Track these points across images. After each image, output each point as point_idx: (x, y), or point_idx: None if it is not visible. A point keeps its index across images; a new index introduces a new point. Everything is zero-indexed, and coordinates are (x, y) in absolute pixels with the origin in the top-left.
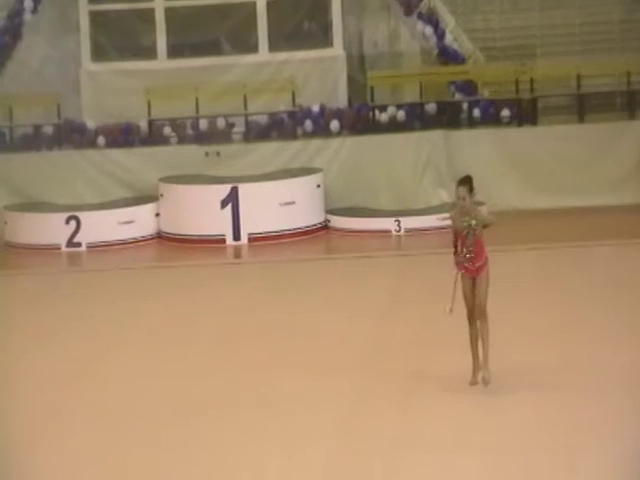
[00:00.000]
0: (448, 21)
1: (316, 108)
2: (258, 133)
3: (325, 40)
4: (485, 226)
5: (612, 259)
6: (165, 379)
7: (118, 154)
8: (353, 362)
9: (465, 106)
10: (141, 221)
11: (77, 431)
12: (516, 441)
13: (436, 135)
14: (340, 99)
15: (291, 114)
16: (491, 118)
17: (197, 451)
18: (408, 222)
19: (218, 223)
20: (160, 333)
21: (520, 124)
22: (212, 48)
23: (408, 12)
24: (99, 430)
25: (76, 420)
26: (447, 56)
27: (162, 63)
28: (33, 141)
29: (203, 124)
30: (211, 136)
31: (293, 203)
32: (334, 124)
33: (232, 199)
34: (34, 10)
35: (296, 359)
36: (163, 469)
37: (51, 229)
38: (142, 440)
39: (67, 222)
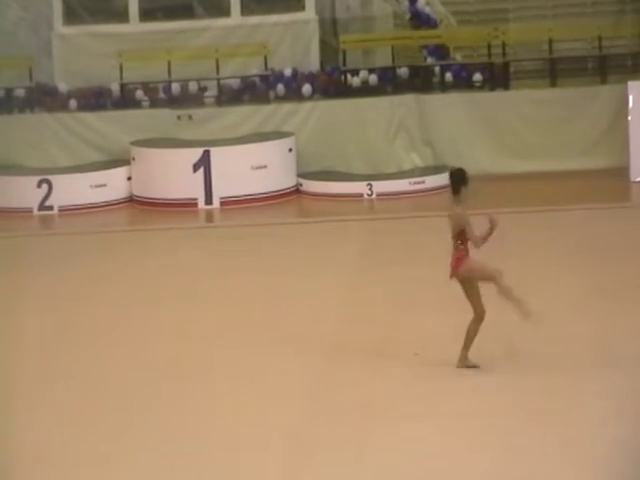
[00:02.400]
0: None
1: (288, 72)
2: (230, 97)
3: (297, 4)
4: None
5: (583, 223)
6: (136, 340)
7: (90, 117)
8: (325, 325)
9: (437, 70)
10: (113, 184)
11: (50, 392)
12: (487, 405)
13: (408, 99)
14: (312, 63)
15: (263, 78)
16: (463, 82)
17: (168, 413)
18: (380, 186)
19: (190, 187)
20: (132, 296)
21: (492, 88)
22: (184, 11)
23: None
24: (73, 390)
25: (47, 382)
26: (419, 20)
27: (134, 26)
28: (5, 104)
29: (175, 88)
30: (183, 100)
31: (265, 167)
32: (306, 88)
33: (204, 163)
34: None
35: (268, 322)
36: (133, 431)
37: (23, 192)
38: (113, 401)
39: (39, 185)
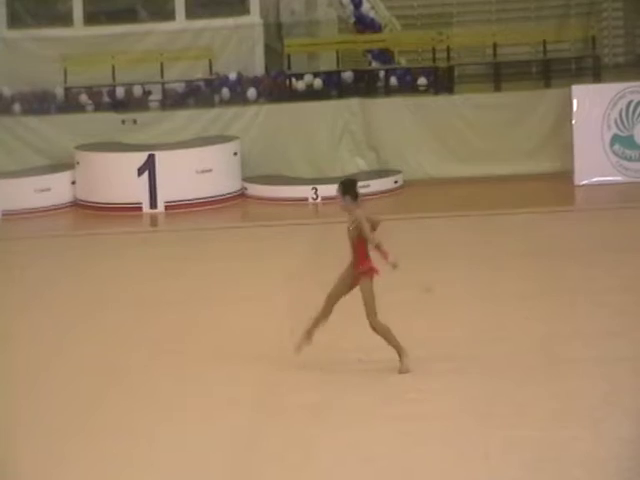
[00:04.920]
0: None
1: (233, 76)
2: (175, 101)
3: (242, 7)
4: (360, 231)
5: (528, 227)
6: (79, 346)
7: (34, 121)
8: (269, 330)
9: (382, 74)
10: (57, 189)
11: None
12: (432, 409)
13: (353, 103)
14: (257, 67)
15: (208, 82)
16: (408, 86)
17: (116, 415)
18: (325, 190)
19: (135, 191)
20: (75, 300)
21: (437, 92)
22: (129, 15)
23: None
24: (24, 393)
25: None
26: (364, 24)
27: (78, 30)
28: None
29: (120, 92)
30: (128, 103)
31: (210, 171)
32: (251, 92)
33: (149, 167)
34: None
35: (211, 327)
36: (91, 431)
37: None
38: (69, 402)
39: None
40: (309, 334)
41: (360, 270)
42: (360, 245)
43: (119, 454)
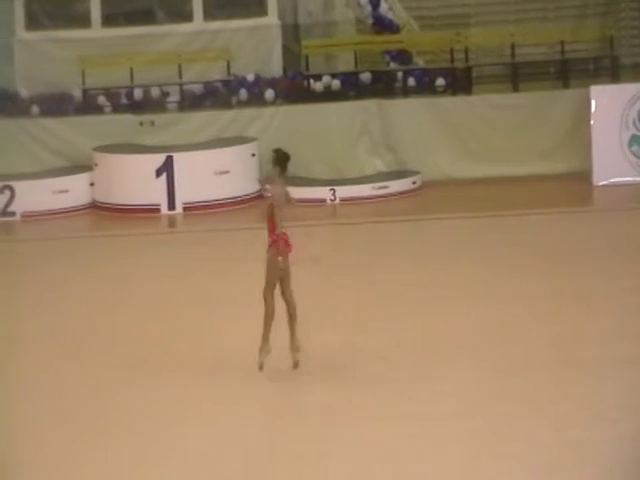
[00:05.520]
0: None
1: (251, 77)
2: (193, 102)
3: (260, 9)
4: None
5: (546, 227)
6: (98, 346)
7: (52, 123)
8: (285, 330)
9: (400, 75)
10: (75, 190)
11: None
12: (449, 409)
13: (370, 104)
14: (275, 68)
15: (226, 83)
16: (426, 87)
17: (134, 414)
18: (343, 191)
19: (153, 192)
20: (94, 302)
21: (454, 93)
22: (147, 17)
23: None
24: (38, 394)
25: (11, 387)
26: (382, 25)
27: (96, 32)
28: None
29: (137, 93)
30: (145, 105)
31: (228, 172)
32: (269, 93)
33: (167, 168)
34: None
35: (228, 327)
36: (102, 431)
37: None
38: (81, 404)
39: (1, 191)
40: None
41: (269, 241)
42: (270, 218)
43: (129, 456)
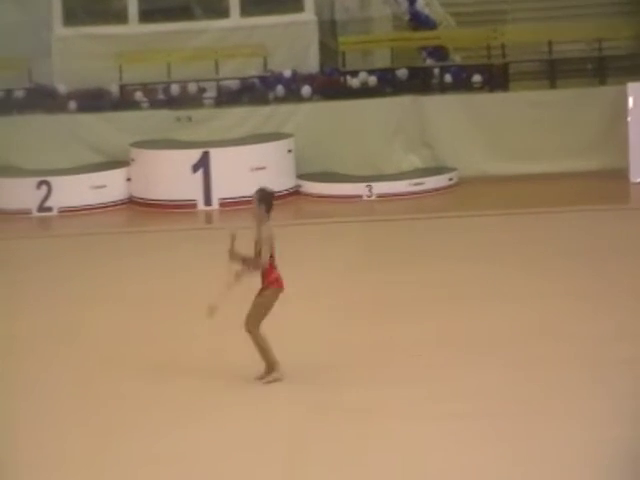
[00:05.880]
0: None
1: (287, 73)
2: (229, 98)
3: (296, 5)
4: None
5: (582, 225)
6: (134, 342)
7: (89, 119)
8: (327, 325)
9: (436, 72)
10: (112, 186)
11: (56, 387)
12: (485, 407)
13: (407, 100)
14: (311, 64)
15: (262, 79)
16: (462, 84)
17: (169, 409)
18: (379, 187)
19: (189, 188)
20: (131, 298)
21: (491, 90)
22: (183, 13)
23: None
24: (75, 386)
25: (53, 381)
26: (418, 21)
27: (133, 28)
28: (4, 105)
29: (174, 89)
30: (182, 101)
31: (264, 168)
32: (305, 89)
33: (203, 164)
34: None
35: (266, 323)
36: (129, 429)
37: (22, 194)
38: (113, 398)
39: (38, 187)
40: (270, 368)
41: (266, 282)
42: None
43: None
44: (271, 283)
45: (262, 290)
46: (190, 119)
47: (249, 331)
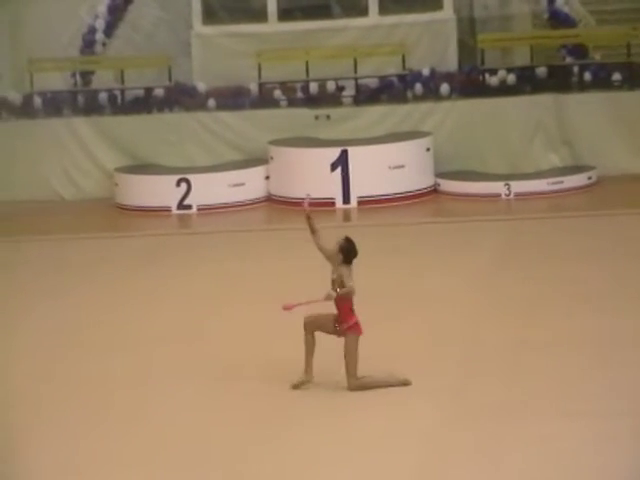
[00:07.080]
0: None
1: (426, 71)
2: (368, 96)
3: (435, 3)
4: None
5: None
6: (271, 339)
7: (228, 117)
8: (459, 325)
9: (576, 70)
10: (251, 184)
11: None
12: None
13: (546, 99)
14: (450, 62)
15: (401, 77)
16: (602, 82)
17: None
18: (518, 186)
19: (328, 186)
20: (269, 295)
21: (631, 88)
22: (322, 11)
23: None
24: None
25: (186, 378)
26: (558, 19)
27: (273, 26)
28: (144, 103)
29: (313, 87)
30: (321, 99)
31: (402, 167)
32: (444, 87)
33: (342, 162)
34: None
35: (405, 318)
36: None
37: (162, 191)
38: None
39: (178, 184)
40: (307, 373)
41: (345, 326)
42: (343, 300)
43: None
44: (350, 328)
45: (340, 333)
46: (329, 117)
47: (356, 389)
